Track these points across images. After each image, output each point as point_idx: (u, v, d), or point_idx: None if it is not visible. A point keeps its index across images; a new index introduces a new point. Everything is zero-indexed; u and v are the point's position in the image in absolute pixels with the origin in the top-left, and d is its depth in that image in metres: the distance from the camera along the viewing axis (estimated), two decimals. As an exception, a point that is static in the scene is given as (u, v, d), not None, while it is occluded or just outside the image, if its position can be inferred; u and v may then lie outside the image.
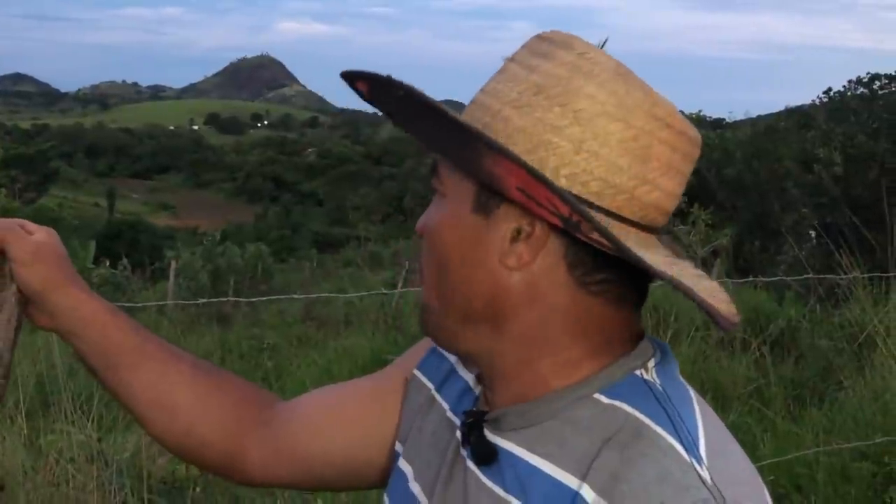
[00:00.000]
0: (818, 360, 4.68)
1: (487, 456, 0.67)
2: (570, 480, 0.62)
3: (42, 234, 0.84)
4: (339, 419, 0.84)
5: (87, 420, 2.55)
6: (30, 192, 56.53)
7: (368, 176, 70.56)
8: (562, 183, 0.62)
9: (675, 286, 0.61)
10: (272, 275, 13.95)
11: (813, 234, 8.53)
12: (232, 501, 2.71)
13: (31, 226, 0.84)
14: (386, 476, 0.82)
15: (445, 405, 0.78)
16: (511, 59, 0.69)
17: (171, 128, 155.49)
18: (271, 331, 7.78)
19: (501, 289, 0.66)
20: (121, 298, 9.56)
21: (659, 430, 0.61)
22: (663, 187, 0.65)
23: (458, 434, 0.72)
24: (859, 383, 3.82)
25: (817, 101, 14.16)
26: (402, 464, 0.79)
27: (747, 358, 4.66)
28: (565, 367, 0.66)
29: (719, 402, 4.07)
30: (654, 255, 0.64)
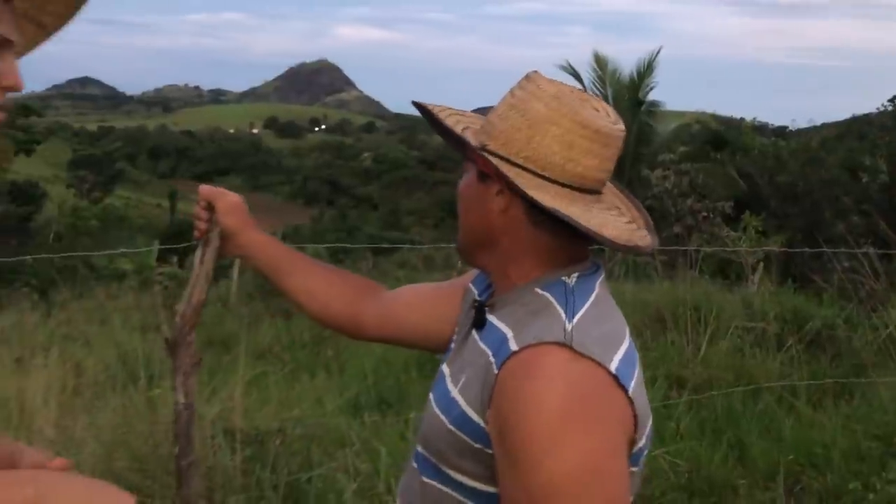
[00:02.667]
0: (851, 359, 4.87)
1: (479, 322, 1.11)
2: (507, 331, 1.05)
3: (234, 196, 1.35)
4: (427, 303, 1.33)
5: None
6: (97, 192, 58.54)
7: (423, 181, 71.14)
8: (520, 161, 1.06)
9: (562, 217, 1.01)
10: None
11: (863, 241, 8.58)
12: (305, 450, 3.12)
13: (226, 191, 1.35)
14: (442, 340, 1.28)
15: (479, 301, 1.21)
16: (509, 91, 1.13)
17: (231, 131, 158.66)
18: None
19: (491, 225, 1.10)
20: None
21: (556, 306, 1.04)
22: (584, 164, 1.07)
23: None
24: (888, 381, 4.02)
25: (882, 110, 14.04)
26: (454, 338, 1.21)
27: (782, 355, 4.88)
28: (524, 273, 1.10)
29: (751, 393, 4.30)
30: (570, 206, 1.04)
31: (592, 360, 0.96)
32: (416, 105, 1.16)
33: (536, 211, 1.05)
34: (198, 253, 1.32)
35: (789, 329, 5.14)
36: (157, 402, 3.15)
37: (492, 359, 1.02)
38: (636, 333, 5.56)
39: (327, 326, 1.42)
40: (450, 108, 1.18)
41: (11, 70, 0.99)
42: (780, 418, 3.88)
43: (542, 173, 1.06)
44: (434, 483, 1.09)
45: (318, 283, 1.37)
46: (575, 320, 1.01)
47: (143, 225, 39.77)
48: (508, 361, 0.99)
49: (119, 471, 2.77)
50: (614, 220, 1.09)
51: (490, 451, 1.00)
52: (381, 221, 53.88)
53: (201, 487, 1.38)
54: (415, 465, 1.15)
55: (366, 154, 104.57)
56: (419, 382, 5.28)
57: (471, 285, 1.28)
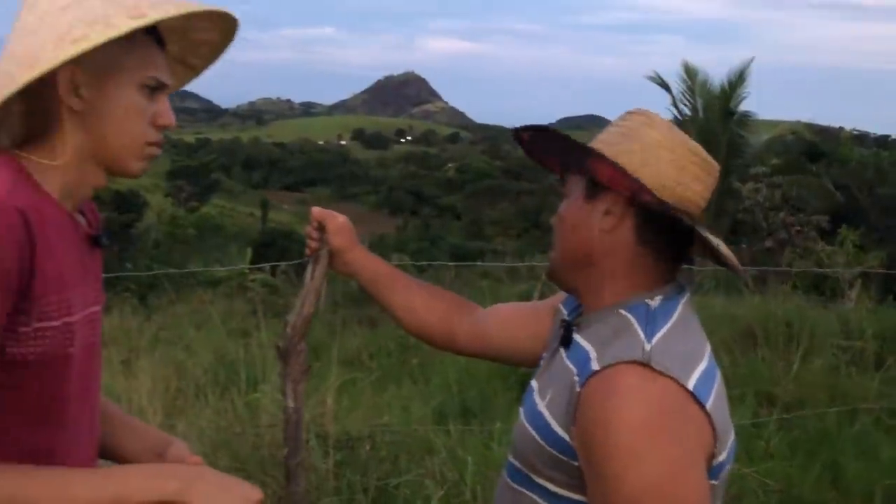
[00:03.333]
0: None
1: (566, 341, 1.18)
2: (590, 350, 1.11)
3: (343, 217, 1.47)
4: (518, 321, 1.42)
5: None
6: (193, 202, 60.84)
7: (507, 191, 70.94)
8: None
9: (704, 239, 1.10)
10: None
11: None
12: (393, 457, 3.22)
13: (335, 213, 1.47)
14: (532, 356, 1.36)
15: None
16: (611, 124, 1.20)
17: (321, 143, 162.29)
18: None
19: (594, 246, 1.16)
20: (278, 302, 10.34)
21: (637, 327, 1.10)
22: (693, 188, 1.15)
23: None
24: None
25: None
26: (544, 355, 1.30)
27: (881, 374, 4.70)
28: (616, 293, 1.16)
29: (847, 413, 4.17)
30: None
31: (670, 377, 1.02)
32: (529, 129, 1.23)
33: (645, 230, 1.13)
34: (308, 269, 1.43)
35: (889, 348, 4.95)
36: (257, 406, 3.31)
37: (576, 377, 1.08)
38: (725, 349, 5.47)
39: (423, 340, 1.51)
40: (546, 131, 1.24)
41: (166, 111, 1.13)
42: (878, 440, 3.75)
43: (661, 196, 1.12)
44: (525, 491, 1.15)
45: (417, 299, 1.47)
46: (654, 341, 1.07)
47: (236, 233, 41.05)
48: (591, 380, 1.05)
49: (221, 471, 2.91)
50: (718, 240, 1.16)
51: (575, 463, 1.07)
52: (464, 231, 54.00)
53: (306, 487, 1.48)
54: (507, 474, 1.21)
55: (450, 164, 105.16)
56: (502, 394, 5.33)
57: (561, 306, 1.36)
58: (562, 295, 1.37)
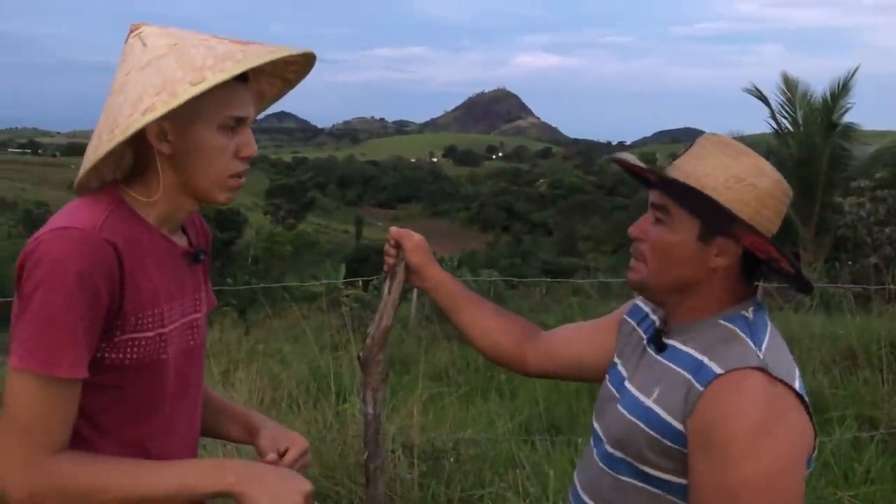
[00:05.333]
0: None
1: (660, 345, 1.31)
2: (699, 356, 1.23)
3: (419, 236, 1.57)
4: (581, 338, 1.50)
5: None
6: (290, 219, 62.71)
7: (599, 206, 70.07)
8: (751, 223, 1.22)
9: (788, 259, 1.22)
10: (504, 300, 14.62)
11: None
12: (477, 469, 3.27)
13: (412, 232, 1.57)
14: (603, 377, 1.42)
15: (640, 329, 1.43)
16: (705, 143, 1.28)
17: (413, 160, 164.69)
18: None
19: (699, 278, 1.27)
20: (369, 316, 10.50)
21: (743, 336, 1.23)
22: (778, 224, 1.27)
23: (644, 339, 1.37)
24: None
25: None
26: (617, 362, 1.40)
27: None
28: (709, 308, 1.29)
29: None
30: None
31: (784, 383, 1.16)
32: (663, 180, 1.27)
33: (748, 264, 1.26)
34: (386, 284, 1.52)
35: None
36: (345, 416, 3.42)
37: (689, 377, 1.20)
38: (824, 369, 5.27)
39: (494, 360, 1.59)
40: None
41: (248, 142, 1.25)
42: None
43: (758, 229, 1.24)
44: (630, 479, 1.27)
45: (489, 320, 1.55)
46: (763, 349, 1.20)
47: (331, 249, 42.04)
48: (715, 381, 1.17)
49: (311, 477, 3.04)
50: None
51: (684, 451, 1.20)
52: (555, 247, 53.62)
53: (385, 491, 1.56)
54: (604, 466, 1.32)
55: (541, 180, 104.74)
56: (590, 410, 5.27)
57: (627, 318, 1.45)
58: (625, 308, 1.47)
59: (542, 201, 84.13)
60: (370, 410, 1.46)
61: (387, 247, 1.57)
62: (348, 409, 3.44)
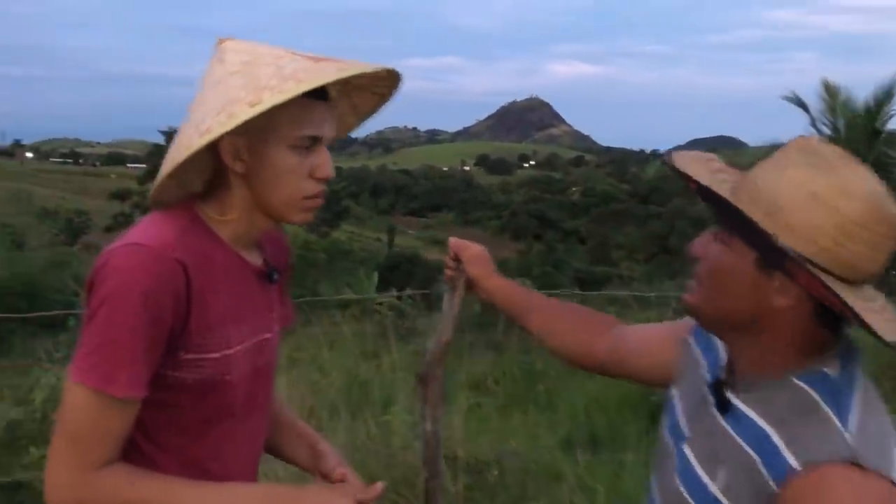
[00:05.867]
0: None
1: (724, 406, 1.09)
2: (769, 430, 1.01)
3: (479, 247, 1.52)
4: (653, 347, 1.37)
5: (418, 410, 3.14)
6: (324, 227, 63.13)
7: (633, 214, 69.47)
8: (824, 262, 0.97)
9: (851, 310, 0.96)
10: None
11: None
12: (521, 483, 3.22)
13: (471, 243, 1.53)
14: (664, 383, 1.31)
15: (703, 362, 1.23)
16: (790, 149, 1.04)
17: (445, 169, 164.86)
18: (541, 358, 8.22)
19: (760, 315, 1.04)
20: (402, 324, 10.50)
21: (826, 408, 0.99)
22: (880, 261, 1.00)
23: (707, 380, 1.17)
24: None
25: None
26: (675, 395, 1.25)
27: None
28: (781, 361, 1.06)
29: None
30: (866, 311, 0.98)
31: (879, 473, 0.94)
32: (736, 209, 1.03)
33: (824, 310, 1.01)
34: (446, 297, 1.48)
35: None
36: (388, 427, 3.39)
37: (758, 460, 1.00)
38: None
39: (565, 360, 1.52)
40: (709, 163, 1.11)
41: (324, 163, 1.21)
42: None
43: (841, 275, 0.99)
44: None
45: (555, 320, 1.48)
46: (852, 427, 0.97)
47: (364, 257, 42.16)
48: (795, 482, 0.95)
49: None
50: (880, 312, 1.02)
51: None
52: (588, 255, 53.25)
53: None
54: None
55: (574, 188, 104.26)
56: (633, 423, 5.19)
57: (691, 340, 1.28)
58: (690, 323, 1.28)
59: (574, 209, 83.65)
60: (429, 428, 1.42)
61: (446, 259, 1.53)
62: (391, 420, 3.40)
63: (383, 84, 1.31)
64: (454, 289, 1.49)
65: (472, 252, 1.51)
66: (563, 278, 33.26)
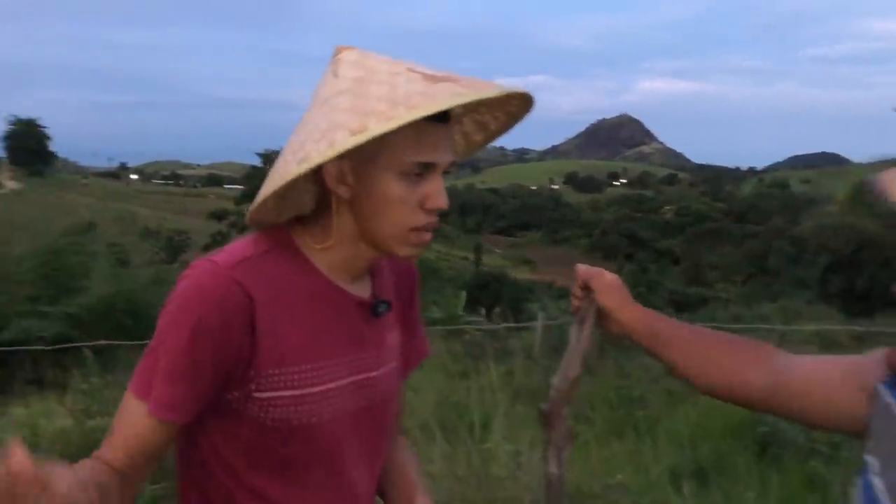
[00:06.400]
0: None
1: None
2: None
3: (611, 275, 1.34)
4: (828, 386, 1.13)
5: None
6: (413, 246, 63.86)
7: (729, 234, 67.43)
8: None
9: None
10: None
11: None
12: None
13: (603, 270, 1.35)
14: (837, 428, 1.11)
15: None
16: None
17: (533, 187, 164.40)
18: (639, 383, 7.95)
19: None
20: (491, 344, 10.38)
21: None
22: None
23: None
24: None
25: None
26: (870, 460, 1.01)
27: None
28: None
29: None
30: None
31: None
32: None
33: None
34: (574, 330, 1.34)
35: None
36: (488, 455, 3.26)
37: None
38: None
39: (716, 397, 1.33)
40: None
41: (436, 192, 1.08)
42: None
43: None
44: None
45: (700, 353, 1.30)
46: None
47: (451, 276, 42.37)
48: None
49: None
50: None
51: None
52: (682, 276, 51.92)
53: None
54: None
55: (667, 207, 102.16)
56: (740, 452, 4.92)
57: (883, 391, 1.06)
58: (877, 363, 1.09)
59: (667, 229, 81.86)
60: (554, 471, 1.28)
61: (574, 288, 1.37)
62: (492, 449, 3.27)
63: (513, 102, 1.17)
64: (583, 321, 1.34)
65: (605, 280, 1.34)
66: (656, 300, 32.46)
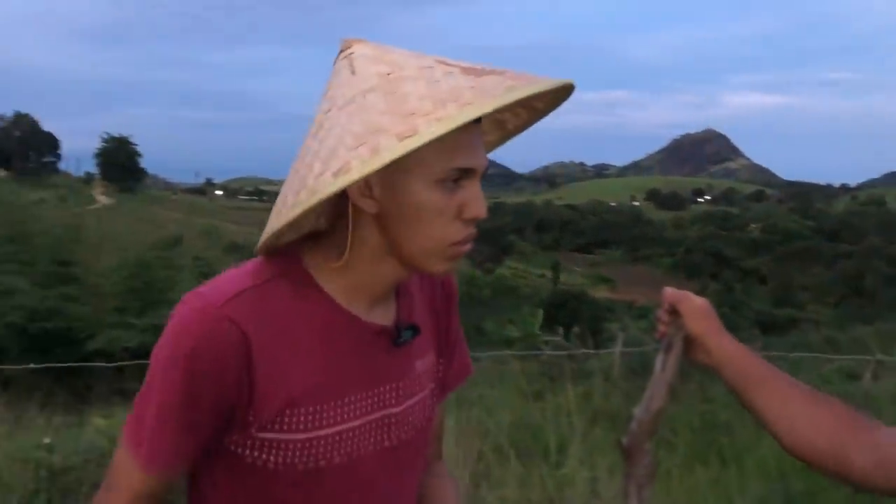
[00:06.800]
0: None
1: None
2: None
3: (701, 300, 1.22)
4: None
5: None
6: (489, 263, 63.80)
7: (820, 253, 64.87)
8: None
9: None
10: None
11: None
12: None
13: (692, 295, 1.24)
14: None
15: None
16: None
17: (613, 204, 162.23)
18: (724, 408, 7.64)
19: None
20: (567, 363, 10.19)
21: None
22: None
23: None
24: None
25: None
26: None
27: None
28: None
29: None
30: None
31: None
32: None
33: None
34: (659, 358, 1.22)
35: None
36: (563, 480, 3.13)
37: None
38: None
39: (807, 462, 1.19)
40: None
41: (475, 200, 0.95)
42: None
43: None
44: None
45: (801, 410, 1.16)
46: None
47: (528, 294, 42.08)
48: None
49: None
50: None
51: None
52: (770, 297, 50.17)
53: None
54: None
55: (753, 224, 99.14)
56: (834, 486, 4.63)
57: None
58: None
59: (754, 247, 79.30)
60: (634, 509, 1.16)
61: (659, 312, 1.26)
62: (567, 474, 3.14)
63: (540, 99, 1.04)
64: (668, 348, 1.22)
65: (694, 305, 1.22)
66: (741, 320, 31.40)
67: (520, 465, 3.72)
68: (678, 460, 5.04)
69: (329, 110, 0.91)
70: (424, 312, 1.13)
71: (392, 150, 0.82)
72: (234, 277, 0.97)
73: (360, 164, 0.83)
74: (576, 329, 14.81)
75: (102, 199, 73.01)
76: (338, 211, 0.98)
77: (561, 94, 1.01)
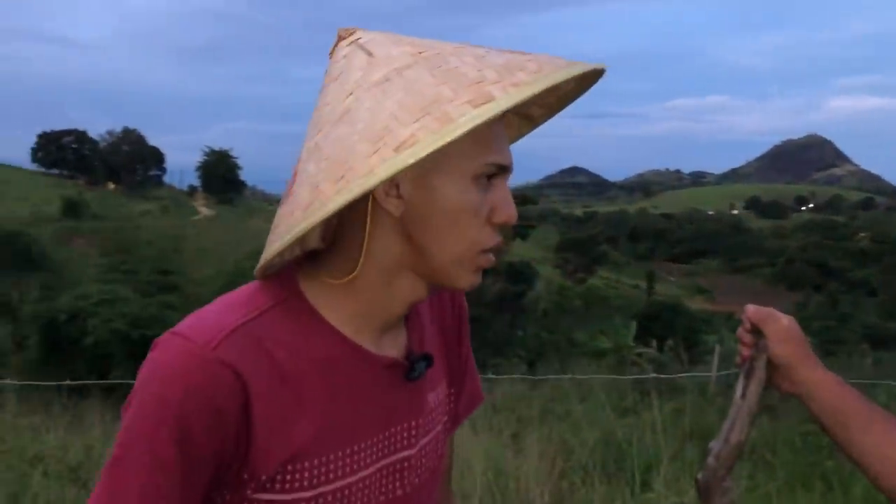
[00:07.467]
0: None
1: None
2: None
3: (788, 320, 1.07)
4: None
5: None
6: (580, 273, 62.90)
7: (936, 264, 61.01)
8: None
9: None
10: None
11: None
12: None
13: (778, 313, 1.08)
14: None
15: None
16: None
17: (710, 212, 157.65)
18: (829, 428, 7.19)
19: None
20: (663, 378, 9.89)
21: None
22: None
23: None
24: None
25: None
26: None
27: None
28: None
29: None
30: None
31: None
32: None
33: None
34: (739, 384, 1.08)
35: None
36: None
37: None
38: None
39: None
40: None
41: (506, 203, 0.84)
42: None
43: None
44: None
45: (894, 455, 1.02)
46: None
47: (620, 305, 41.23)
48: None
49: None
50: None
51: None
52: (880, 309, 47.60)
53: None
54: None
55: (862, 233, 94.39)
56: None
57: None
58: None
59: (862, 257, 75.49)
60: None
61: (740, 331, 1.11)
62: (653, 499, 2.97)
63: (553, 95, 0.93)
64: (751, 373, 1.07)
65: (781, 326, 1.07)
66: (849, 334, 29.82)
67: (603, 486, 3.56)
68: (778, 483, 4.77)
69: (352, 93, 0.79)
70: (435, 336, 1.00)
71: (470, 116, 0.71)
72: (223, 310, 0.83)
73: (429, 137, 0.71)
74: (670, 341, 14.38)
75: (204, 211, 75.88)
76: (341, 222, 0.85)
77: (583, 86, 0.91)
